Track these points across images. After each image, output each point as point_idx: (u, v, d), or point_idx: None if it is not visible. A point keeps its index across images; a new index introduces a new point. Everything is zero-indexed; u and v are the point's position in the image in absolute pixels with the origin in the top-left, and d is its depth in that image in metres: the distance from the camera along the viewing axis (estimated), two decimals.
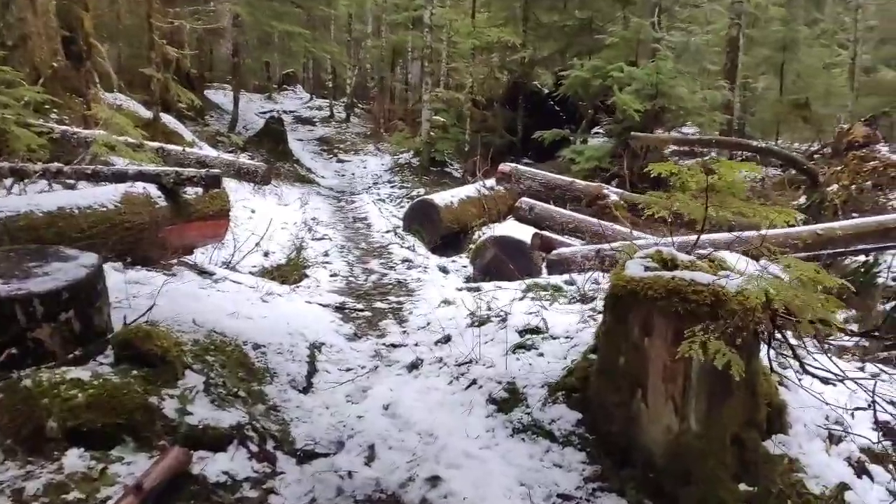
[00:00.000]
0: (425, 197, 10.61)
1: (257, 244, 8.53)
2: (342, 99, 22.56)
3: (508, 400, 3.70)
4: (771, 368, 3.37)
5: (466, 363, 4.22)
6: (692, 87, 11.32)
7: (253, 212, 11.36)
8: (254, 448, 3.30)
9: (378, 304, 6.55)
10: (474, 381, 3.96)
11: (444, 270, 8.25)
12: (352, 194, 14.27)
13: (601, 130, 17.52)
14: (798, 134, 21.43)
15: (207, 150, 12.28)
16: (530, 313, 4.85)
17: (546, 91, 18.27)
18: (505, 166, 8.15)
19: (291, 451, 3.46)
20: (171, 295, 4.92)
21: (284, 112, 21.37)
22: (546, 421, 3.47)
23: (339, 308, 6.27)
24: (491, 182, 12.01)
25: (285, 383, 4.13)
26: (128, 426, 3.10)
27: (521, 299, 5.97)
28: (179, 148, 8.69)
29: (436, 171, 15.49)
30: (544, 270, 7.40)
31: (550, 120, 17.01)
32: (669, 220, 4.29)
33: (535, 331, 4.41)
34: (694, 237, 5.32)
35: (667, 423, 3.12)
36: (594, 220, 7.35)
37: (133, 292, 4.91)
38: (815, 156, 13.56)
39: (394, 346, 5.14)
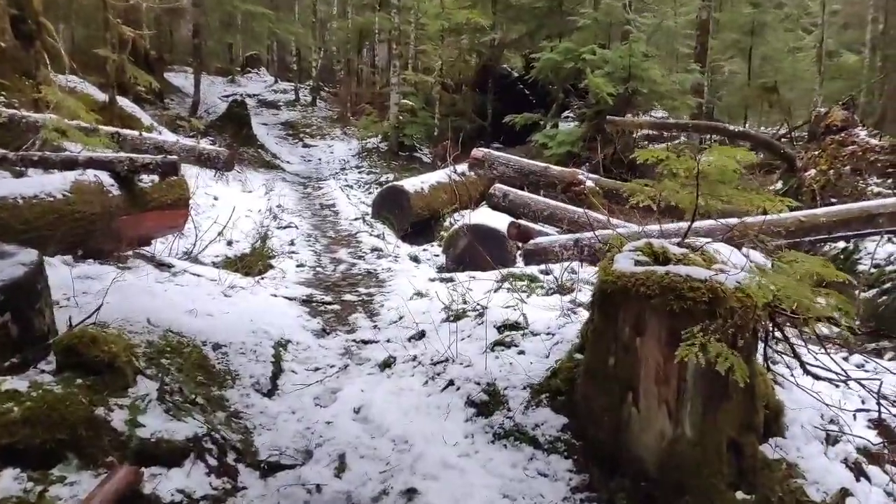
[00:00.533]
0: (395, 183, 10.32)
1: (220, 233, 8.17)
2: (308, 82, 22.02)
3: (488, 403, 3.47)
4: (767, 367, 3.18)
5: (442, 362, 3.97)
6: (664, 70, 11.15)
7: (216, 199, 10.95)
8: (213, 461, 3.02)
9: (347, 297, 6.27)
10: (451, 382, 3.72)
11: (415, 260, 7.98)
12: (319, 180, 13.90)
13: (571, 115, 17.38)
14: (765, 118, 21.52)
15: (167, 135, 11.80)
16: (508, 307, 4.62)
17: (516, 74, 18.02)
18: (478, 151, 7.90)
19: (254, 462, 3.19)
20: (125, 291, 4.58)
21: (248, 95, 20.80)
22: (529, 426, 3.24)
23: (307, 301, 5.98)
24: (462, 167, 11.74)
25: (248, 386, 3.85)
26: (71, 442, 2.80)
27: (497, 291, 5.75)
28: (136, 133, 8.27)
29: (405, 156, 15.18)
30: (520, 260, 7.19)
31: (521, 104, 16.78)
32: (655, 208, 4.08)
33: (515, 326, 4.18)
34: (676, 225, 5.15)
35: (660, 428, 2.92)
36: (570, 207, 7.14)
37: (83, 289, 4.57)
38: (783, 139, 13.54)
39: (364, 342, 4.88)
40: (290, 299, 5.92)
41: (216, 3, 14.72)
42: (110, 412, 2.97)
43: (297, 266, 7.45)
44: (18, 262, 3.22)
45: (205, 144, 8.40)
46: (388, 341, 4.73)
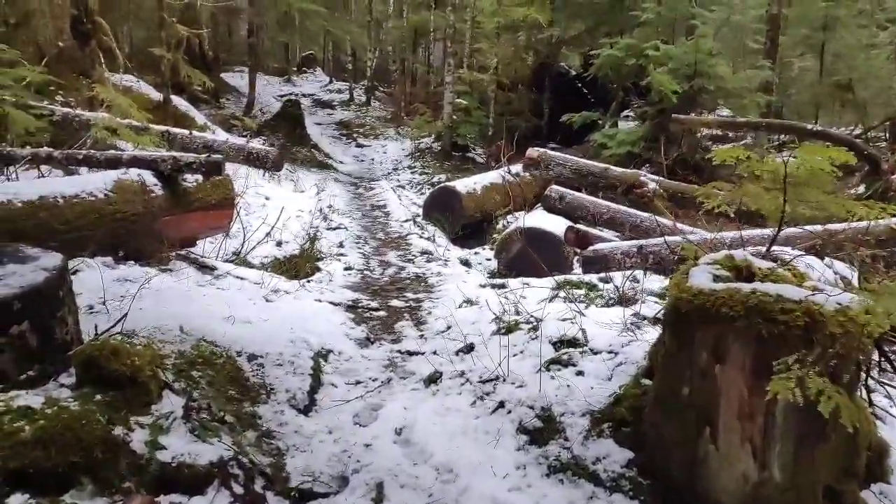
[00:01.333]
0: (446, 184, 10.02)
1: (268, 234, 8.00)
2: (362, 82, 21.94)
3: (543, 430, 3.12)
4: (870, 402, 2.75)
5: (492, 380, 3.64)
6: (733, 66, 10.57)
7: (267, 199, 10.85)
8: (238, 489, 2.76)
9: (394, 303, 5.98)
10: (502, 404, 3.38)
11: (466, 264, 7.66)
12: (370, 180, 13.71)
13: (631, 113, 16.81)
14: (837, 117, 20.45)
15: (219, 134, 11.78)
16: (565, 319, 4.25)
17: (574, 73, 17.53)
18: (533, 151, 7.53)
19: (284, 490, 2.91)
20: (161, 296, 4.40)
21: (303, 95, 20.84)
22: (589, 459, 2.89)
23: (352, 307, 5.72)
24: (516, 168, 11.38)
25: (283, 402, 3.59)
26: (85, 465, 2.57)
27: (552, 300, 5.38)
28: (185, 131, 8.18)
29: (458, 156, 14.88)
30: (576, 265, 6.80)
31: (578, 103, 16.29)
32: (732, 214, 3.67)
33: (573, 342, 3.81)
34: (752, 232, 4.69)
35: (742, 469, 2.52)
36: (632, 210, 6.71)
37: (120, 292, 4.40)
38: (859, 140, 12.73)
39: (410, 353, 4.57)
40: (334, 305, 5.67)
41: (271, 2, 14.69)
42: (130, 432, 2.74)
43: (345, 269, 7.22)
44: (40, 267, 3.02)
45: (254, 144, 8.26)
46: (434, 353, 4.42)
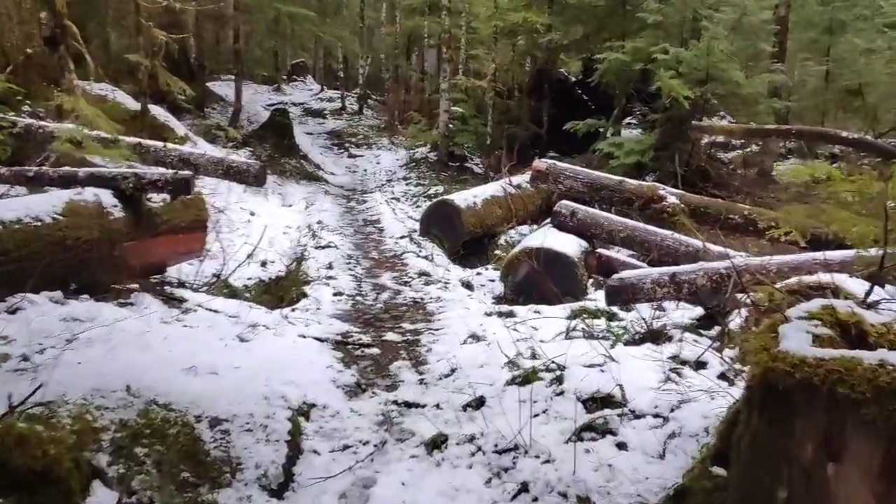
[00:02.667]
0: (445, 197, 9.35)
1: (249, 256, 7.30)
2: (354, 90, 21.28)
3: None
4: None
5: (510, 450, 2.96)
6: (746, 70, 9.95)
7: (252, 214, 10.18)
8: None
9: (389, 336, 5.29)
10: (525, 487, 2.70)
11: (468, 287, 6.98)
12: (363, 193, 13.02)
13: (634, 121, 16.20)
14: (842, 124, 19.89)
15: (200, 146, 11.10)
16: (592, 366, 3.57)
17: (573, 79, 16.94)
18: (541, 163, 6.86)
19: None
20: (111, 340, 3.70)
21: (293, 104, 20.18)
22: None
23: (341, 343, 5.02)
24: (518, 179, 10.73)
25: (252, 481, 2.89)
26: None
27: (570, 334, 4.72)
28: (160, 144, 7.50)
29: (455, 166, 14.23)
30: (591, 289, 6.14)
31: (578, 110, 15.67)
32: (802, 243, 3.01)
33: (608, 401, 3.13)
34: (801, 257, 4.02)
35: None
36: (653, 228, 6.04)
37: (66, 335, 3.72)
38: None
39: (408, 405, 3.88)
40: (321, 341, 4.98)
41: (258, 7, 14.04)
42: None
43: (334, 294, 6.53)
44: None
45: (234, 157, 7.58)
46: (437, 407, 3.73)
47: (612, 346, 4.18)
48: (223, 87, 19.19)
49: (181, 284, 6.83)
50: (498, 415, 3.29)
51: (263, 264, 8.30)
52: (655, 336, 4.33)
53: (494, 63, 13.51)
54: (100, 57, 12.46)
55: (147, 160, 7.57)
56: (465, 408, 3.58)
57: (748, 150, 15.37)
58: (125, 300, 4.71)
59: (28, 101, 9.15)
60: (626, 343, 4.23)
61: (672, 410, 2.90)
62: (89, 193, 4.71)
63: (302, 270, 7.43)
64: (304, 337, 4.98)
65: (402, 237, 9.02)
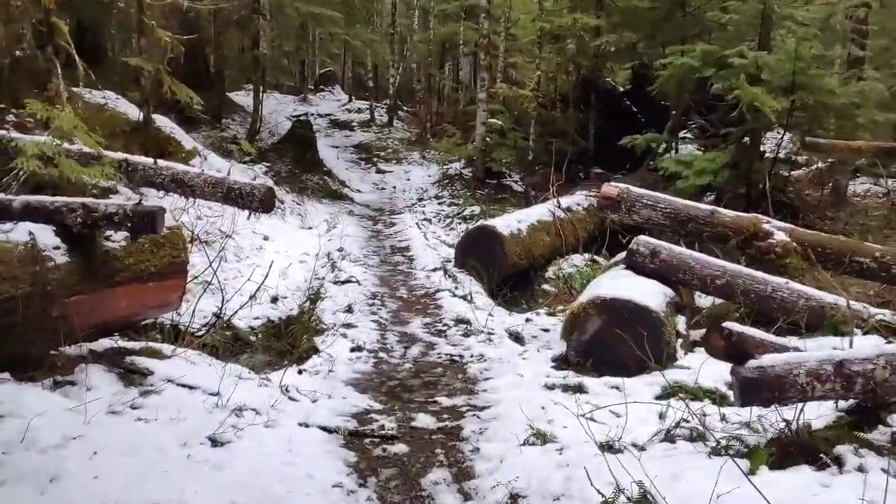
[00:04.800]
0: (485, 223, 8.04)
1: (252, 297, 6.07)
2: (384, 101, 20.09)
3: None
4: None
5: None
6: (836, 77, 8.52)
7: (265, 239, 9.00)
8: None
9: (420, 420, 3.98)
10: None
11: (517, 339, 5.64)
12: (392, 213, 11.77)
13: (689, 135, 14.78)
14: None
15: (214, 161, 9.95)
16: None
17: (621, 88, 15.57)
18: (611, 188, 5.51)
19: None
20: (7, 465, 2.45)
21: (320, 115, 19.06)
22: None
23: (355, 434, 3.72)
24: (567, 201, 9.39)
25: None
26: None
27: (672, 433, 3.38)
28: (149, 161, 6.33)
29: (493, 184, 12.91)
30: (680, 352, 4.77)
31: (627, 122, 14.33)
32: None
33: None
34: None
35: None
36: (761, 275, 4.68)
37: None
38: None
39: None
40: (328, 431, 3.69)
41: (277, 7, 12.92)
42: None
43: (352, 350, 5.25)
44: None
45: (237, 177, 6.37)
46: None
47: (754, 471, 2.82)
48: (246, 98, 18.14)
49: (173, 329, 5.69)
50: None
51: (274, 300, 7.12)
52: (809, 451, 2.96)
53: (539, 70, 12.17)
54: (104, 62, 11.43)
55: (135, 179, 6.40)
56: None
57: (815, 166, 13.81)
58: (64, 377, 3.47)
59: (13, 111, 8.10)
60: (771, 464, 2.86)
61: None
62: (21, 231, 3.49)
63: (315, 315, 6.18)
64: (307, 426, 3.70)
65: (434, 269, 7.72)
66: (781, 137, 9.09)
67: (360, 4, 18.42)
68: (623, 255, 5.78)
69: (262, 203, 5.94)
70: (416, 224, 10.47)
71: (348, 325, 5.74)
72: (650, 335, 4.66)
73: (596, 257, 8.88)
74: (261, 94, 12.81)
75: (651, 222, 5.36)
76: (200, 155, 9.64)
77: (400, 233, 9.90)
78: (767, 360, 2.95)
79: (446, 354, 5.29)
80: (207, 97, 13.54)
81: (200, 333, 6.14)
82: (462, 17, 16.82)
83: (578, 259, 8.69)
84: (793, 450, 3.05)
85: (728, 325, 3.02)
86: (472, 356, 5.23)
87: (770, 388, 2.90)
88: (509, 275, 7.78)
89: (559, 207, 9.06)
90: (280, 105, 18.17)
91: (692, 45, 9.61)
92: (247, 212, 6.11)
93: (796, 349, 3.22)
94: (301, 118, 14.46)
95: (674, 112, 13.71)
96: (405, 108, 20.57)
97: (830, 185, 12.14)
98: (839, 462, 2.80)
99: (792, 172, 14.56)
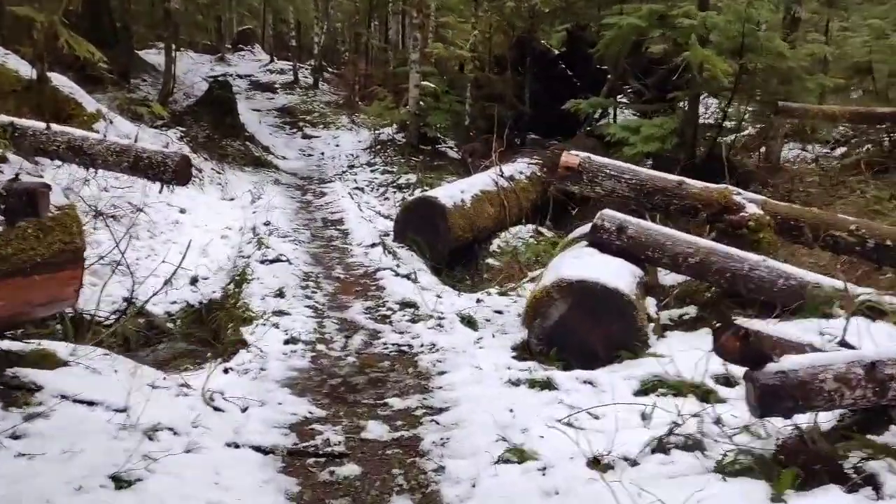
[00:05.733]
0: (427, 195, 7.46)
1: (167, 282, 5.34)
2: (309, 61, 18.98)
3: None
4: None
5: None
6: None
7: (182, 212, 8.18)
8: None
9: (371, 429, 3.42)
10: None
11: (470, 323, 5.12)
12: (321, 182, 11.02)
13: (625, 99, 14.53)
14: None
15: (120, 125, 8.95)
16: None
17: (556, 51, 15.10)
18: (571, 157, 4.99)
19: None
20: None
21: (239, 76, 17.88)
22: None
23: (296, 453, 3.14)
24: (509, 169, 8.89)
25: None
26: None
27: (665, 441, 2.95)
28: (41, 125, 5.43)
29: (427, 150, 12.28)
30: (651, 336, 4.35)
31: (562, 86, 13.91)
32: None
33: None
34: None
35: None
36: (739, 252, 4.29)
37: None
38: None
39: None
40: (263, 452, 3.09)
41: None
42: None
43: (286, 342, 4.63)
44: None
45: (146, 145, 5.53)
46: None
47: (779, 496, 2.40)
48: (158, 57, 16.76)
49: (77, 316, 4.96)
50: None
51: (194, 282, 6.44)
52: (828, 463, 2.57)
53: (477, 30, 11.53)
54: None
55: (24, 147, 5.49)
56: None
57: (745, 132, 13.75)
58: None
59: None
60: (798, 485, 2.44)
61: None
62: None
63: (242, 299, 5.50)
64: (237, 447, 3.09)
65: (372, 245, 7.11)
66: (728, 102, 8.79)
67: None
68: (583, 229, 5.33)
69: (175, 174, 5.17)
70: (349, 194, 9.78)
71: (280, 313, 5.08)
72: (621, 320, 4.24)
73: (540, 228, 8.46)
74: (173, 52, 11.71)
75: (615, 194, 4.90)
76: (105, 119, 8.62)
77: (331, 203, 9.19)
78: (788, 363, 2.51)
79: (393, 344, 4.73)
80: (113, 55, 12.32)
81: (109, 322, 5.41)
82: None
83: (523, 230, 8.24)
84: (805, 458, 2.65)
85: (742, 322, 2.56)
86: (422, 345, 4.69)
87: (793, 396, 2.47)
88: (453, 249, 7.26)
89: (502, 176, 8.55)
90: (196, 65, 16.91)
91: (637, 6, 9.16)
92: (158, 184, 5.32)
93: (812, 347, 2.81)
94: (219, 78, 13.40)
95: (609, 76, 13.42)
96: (331, 70, 19.54)
97: (763, 150, 12.06)
98: (873, 483, 2.40)
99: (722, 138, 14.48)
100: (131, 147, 5.22)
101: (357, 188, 10.75)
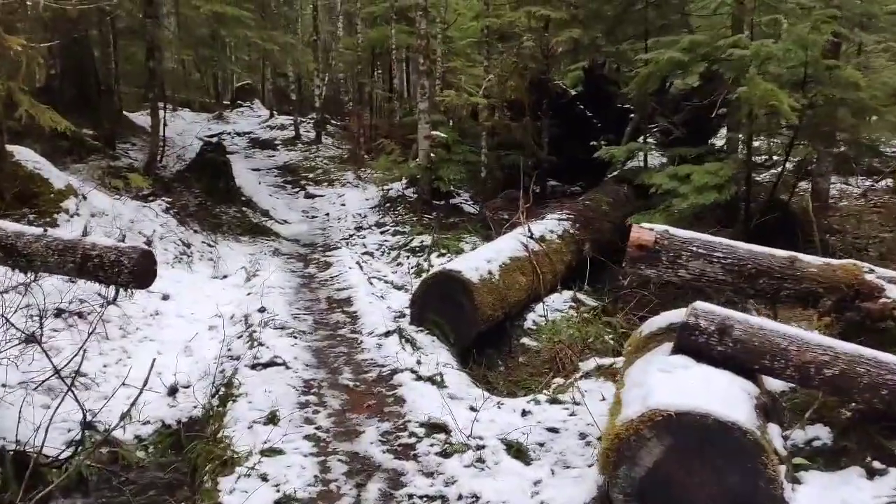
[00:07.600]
0: (449, 269, 6.27)
1: (124, 416, 4.14)
2: (310, 115, 18.08)
3: None
4: None
5: None
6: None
7: (165, 298, 7.07)
8: None
9: None
10: None
11: (519, 454, 3.90)
12: (326, 249, 9.88)
13: (653, 140, 13.41)
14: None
15: (95, 200, 7.89)
16: None
17: (573, 92, 14.07)
18: (644, 232, 3.80)
19: None
20: None
21: (238, 134, 16.98)
22: None
23: None
24: (539, 228, 7.74)
25: None
26: None
27: None
28: None
29: (441, 205, 11.18)
30: (786, 489, 3.09)
31: (580, 129, 12.92)
32: None
33: None
34: None
35: None
36: None
37: None
38: None
39: None
40: None
41: (170, 9, 10.90)
42: None
43: (277, 501, 3.41)
44: None
45: (97, 239, 4.38)
46: None
47: None
48: (149, 119, 15.92)
49: (18, 454, 3.89)
50: None
51: (173, 392, 5.33)
52: None
53: (491, 74, 10.50)
54: None
55: None
56: None
57: (781, 167, 12.57)
58: None
59: None
60: None
61: None
62: None
63: (224, 427, 4.31)
64: None
65: (386, 333, 5.92)
66: (790, 143, 7.64)
67: (278, 10, 16.39)
68: (659, 320, 4.12)
69: (133, 275, 4.04)
70: (357, 264, 8.62)
71: (271, 453, 3.87)
72: (743, 467, 3.00)
73: (579, 294, 7.27)
74: (162, 113, 10.72)
75: (705, 279, 3.70)
76: (77, 195, 7.56)
77: (338, 277, 8.02)
78: None
79: (422, 497, 3.51)
80: (97, 119, 11.39)
81: (63, 457, 4.25)
82: (393, 18, 15.06)
83: (559, 300, 7.07)
84: None
85: None
86: (460, 497, 3.46)
87: None
88: (482, 331, 6.08)
89: (531, 237, 7.40)
90: (192, 125, 16.01)
91: (674, 38, 8.08)
92: (113, 288, 4.20)
93: None
94: (212, 139, 12.41)
95: (632, 116, 12.36)
96: (334, 122, 18.60)
97: (810, 188, 10.87)
98: None
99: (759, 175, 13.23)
100: (78, 243, 4.10)
101: (366, 253, 9.63)
